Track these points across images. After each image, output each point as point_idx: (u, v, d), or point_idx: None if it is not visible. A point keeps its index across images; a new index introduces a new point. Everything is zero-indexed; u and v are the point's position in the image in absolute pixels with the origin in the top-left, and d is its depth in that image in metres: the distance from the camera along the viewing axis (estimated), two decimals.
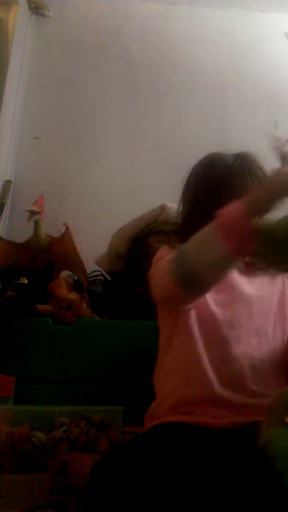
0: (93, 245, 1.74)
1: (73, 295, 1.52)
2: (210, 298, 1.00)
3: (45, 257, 1.69)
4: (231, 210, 0.82)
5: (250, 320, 1.01)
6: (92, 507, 0.81)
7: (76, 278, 1.67)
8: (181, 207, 1.18)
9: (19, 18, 2.21)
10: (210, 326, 0.99)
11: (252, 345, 0.99)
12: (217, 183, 1.06)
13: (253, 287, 1.05)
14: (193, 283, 0.87)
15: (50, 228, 1.73)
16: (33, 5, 2.39)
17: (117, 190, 2.19)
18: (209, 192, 1.07)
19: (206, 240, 0.84)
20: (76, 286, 1.60)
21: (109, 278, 1.74)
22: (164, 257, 1.00)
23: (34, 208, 1.65)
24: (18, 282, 1.56)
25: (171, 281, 0.88)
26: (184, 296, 0.92)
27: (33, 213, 1.64)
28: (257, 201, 0.82)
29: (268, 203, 0.81)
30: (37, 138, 2.26)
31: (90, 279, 1.68)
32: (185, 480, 0.73)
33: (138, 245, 1.62)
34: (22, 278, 1.57)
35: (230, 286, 1.03)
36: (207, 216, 1.02)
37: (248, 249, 0.81)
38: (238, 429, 0.86)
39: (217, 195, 1.04)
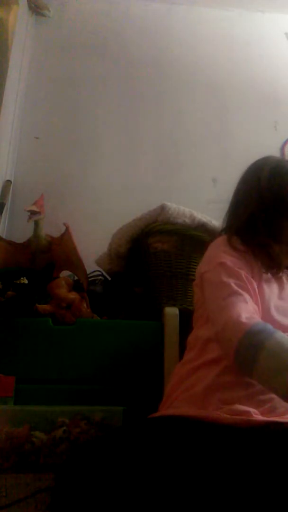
0: (93, 245, 1.74)
1: (73, 295, 1.52)
2: (273, 305, 1.01)
3: (45, 257, 1.69)
4: None
5: None
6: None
7: (76, 278, 1.67)
8: (236, 206, 1.17)
9: (19, 18, 2.21)
10: None
11: None
12: (286, 192, 1.07)
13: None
14: (245, 372, 0.88)
15: (50, 228, 1.73)
16: (33, 5, 2.39)
17: (117, 190, 2.19)
18: (279, 198, 1.07)
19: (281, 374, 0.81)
20: (76, 286, 1.60)
21: (109, 278, 1.74)
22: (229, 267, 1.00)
23: (34, 208, 1.65)
24: (18, 282, 1.56)
25: (231, 352, 0.88)
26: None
27: (33, 213, 1.64)
28: None
29: None
30: (37, 138, 2.26)
31: (90, 279, 1.68)
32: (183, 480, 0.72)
33: (138, 245, 1.62)
34: (22, 278, 1.57)
35: (286, 294, 1.05)
36: (274, 223, 1.06)
37: None
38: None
39: (286, 203, 1.06)
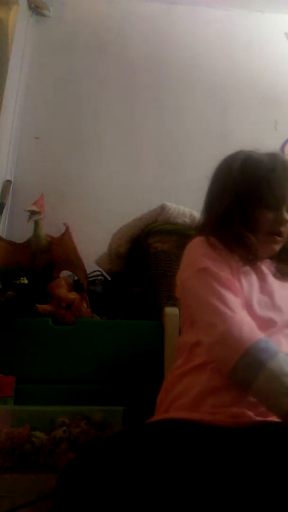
0: (93, 245, 1.74)
1: (73, 295, 1.52)
2: (255, 299, 1.00)
3: (45, 257, 1.69)
4: None
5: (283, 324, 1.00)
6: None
7: (76, 278, 1.67)
8: (211, 202, 1.17)
9: (19, 18, 2.22)
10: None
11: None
12: (260, 181, 1.07)
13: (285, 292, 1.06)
14: (243, 388, 0.87)
15: (50, 228, 1.73)
16: (33, 5, 2.40)
17: (117, 190, 2.19)
18: (252, 189, 1.07)
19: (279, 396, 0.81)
20: (76, 286, 1.60)
21: (109, 278, 1.74)
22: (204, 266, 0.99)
23: (34, 208, 1.65)
24: (18, 282, 1.56)
25: (228, 368, 0.87)
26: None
27: (33, 213, 1.64)
28: None
29: None
30: (37, 138, 2.26)
31: (90, 279, 1.68)
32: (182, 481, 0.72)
33: (138, 245, 1.62)
34: (22, 278, 1.57)
35: (270, 290, 1.04)
36: (249, 214, 1.05)
37: None
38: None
39: (260, 193, 1.06)
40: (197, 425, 0.83)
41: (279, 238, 1.08)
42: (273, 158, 1.11)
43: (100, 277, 1.76)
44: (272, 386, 0.82)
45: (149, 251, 1.58)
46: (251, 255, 1.05)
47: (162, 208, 1.57)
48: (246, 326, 0.90)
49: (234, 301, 0.95)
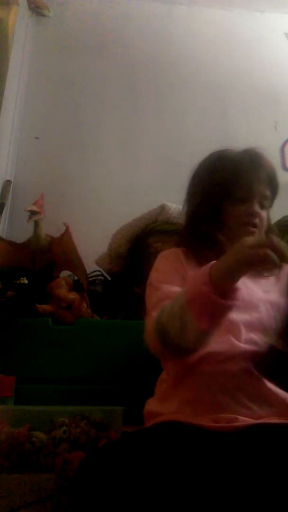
0: (93, 245, 1.74)
1: (73, 295, 1.52)
2: None
3: (45, 257, 1.69)
4: (197, 282, 0.82)
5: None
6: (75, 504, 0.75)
7: (76, 278, 1.67)
8: (187, 204, 1.17)
9: (19, 18, 2.21)
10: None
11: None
12: (227, 175, 1.06)
13: (260, 290, 1.04)
14: (177, 353, 0.91)
15: (50, 228, 1.73)
16: (33, 5, 2.40)
17: (117, 190, 2.19)
18: (218, 184, 1.06)
19: (180, 315, 0.84)
20: (76, 286, 1.60)
21: (109, 278, 1.74)
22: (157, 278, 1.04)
23: (34, 208, 1.65)
24: (18, 282, 1.56)
25: (158, 346, 0.92)
26: (173, 358, 0.95)
27: (33, 213, 1.64)
28: (221, 273, 0.80)
29: (232, 275, 0.80)
30: (37, 138, 2.26)
31: (90, 279, 1.68)
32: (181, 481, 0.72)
33: (138, 245, 1.62)
34: (22, 278, 1.57)
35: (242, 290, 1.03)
36: (217, 209, 1.05)
37: (220, 323, 0.83)
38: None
39: (227, 187, 1.05)
40: (193, 428, 0.84)
41: (252, 229, 1.05)
42: (244, 152, 1.09)
43: (100, 277, 1.76)
44: (171, 323, 0.87)
45: (149, 251, 1.57)
46: (221, 254, 1.03)
47: (162, 208, 1.57)
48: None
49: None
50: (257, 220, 1.05)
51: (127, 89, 2.39)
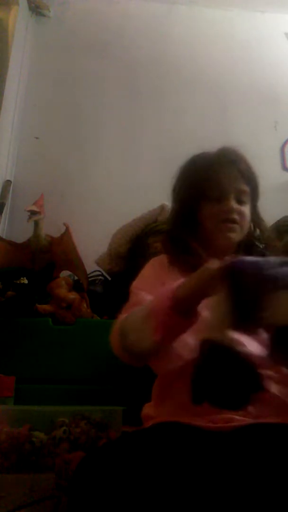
0: (93, 245, 1.74)
1: (73, 295, 1.52)
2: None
3: (45, 257, 1.69)
4: (163, 295, 0.84)
5: None
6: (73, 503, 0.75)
7: (76, 278, 1.67)
8: (170, 210, 1.18)
9: (19, 18, 2.22)
10: None
11: None
12: (198, 176, 1.06)
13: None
14: (133, 357, 0.93)
15: (50, 228, 1.73)
16: (33, 5, 2.40)
17: (117, 190, 2.19)
18: (192, 187, 1.07)
19: (141, 322, 0.87)
20: (76, 286, 1.60)
21: (109, 278, 1.74)
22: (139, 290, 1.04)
23: (34, 208, 1.65)
24: (18, 282, 1.56)
25: (119, 348, 0.93)
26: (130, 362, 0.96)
27: (33, 213, 1.65)
28: (183, 292, 0.82)
29: (194, 298, 0.82)
30: (37, 138, 2.26)
31: (90, 279, 1.68)
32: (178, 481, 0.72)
33: (138, 245, 1.62)
34: (22, 278, 1.57)
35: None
36: (194, 213, 1.05)
37: (173, 339, 0.85)
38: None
39: (200, 188, 1.05)
40: (198, 429, 0.84)
41: (231, 225, 1.03)
42: (216, 152, 1.09)
43: (100, 277, 1.76)
44: (131, 331, 0.91)
45: (149, 251, 1.57)
46: (195, 260, 0.99)
47: (162, 208, 1.57)
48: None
49: None
50: (236, 216, 1.03)
51: (127, 89, 2.39)
